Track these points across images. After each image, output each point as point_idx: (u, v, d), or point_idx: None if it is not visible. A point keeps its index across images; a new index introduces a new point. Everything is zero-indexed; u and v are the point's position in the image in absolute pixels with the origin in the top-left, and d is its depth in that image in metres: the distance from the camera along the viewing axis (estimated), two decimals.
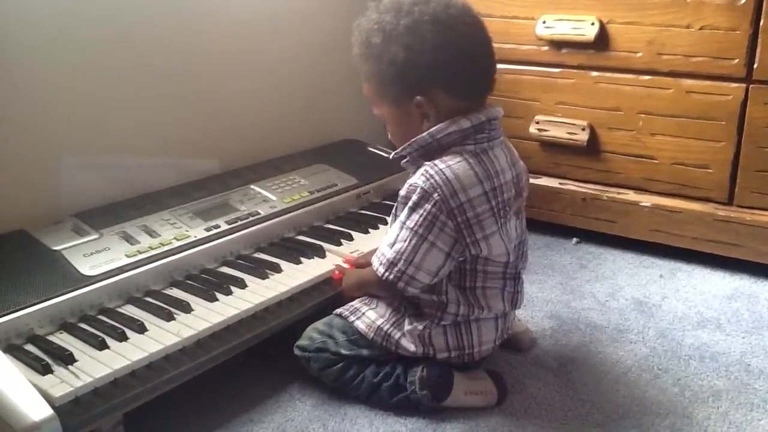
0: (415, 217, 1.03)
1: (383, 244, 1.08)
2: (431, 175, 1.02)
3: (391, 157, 1.11)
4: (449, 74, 1.03)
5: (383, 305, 1.14)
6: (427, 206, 1.02)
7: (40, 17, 1.25)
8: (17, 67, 1.23)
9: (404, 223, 1.04)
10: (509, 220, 1.08)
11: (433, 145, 1.05)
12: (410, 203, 1.03)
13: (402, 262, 1.04)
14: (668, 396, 1.14)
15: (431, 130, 1.04)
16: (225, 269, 1.25)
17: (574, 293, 1.48)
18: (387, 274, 1.05)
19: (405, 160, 1.09)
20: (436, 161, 1.03)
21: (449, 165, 1.02)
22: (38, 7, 1.24)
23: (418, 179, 1.03)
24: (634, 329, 1.34)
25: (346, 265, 1.24)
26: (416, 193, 1.02)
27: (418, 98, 1.03)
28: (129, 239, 1.22)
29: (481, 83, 1.07)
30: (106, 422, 0.93)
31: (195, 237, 1.26)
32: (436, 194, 1.01)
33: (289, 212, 1.40)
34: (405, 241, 1.04)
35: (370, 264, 1.20)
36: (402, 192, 1.06)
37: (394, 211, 1.10)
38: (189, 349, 1.03)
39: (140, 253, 1.19)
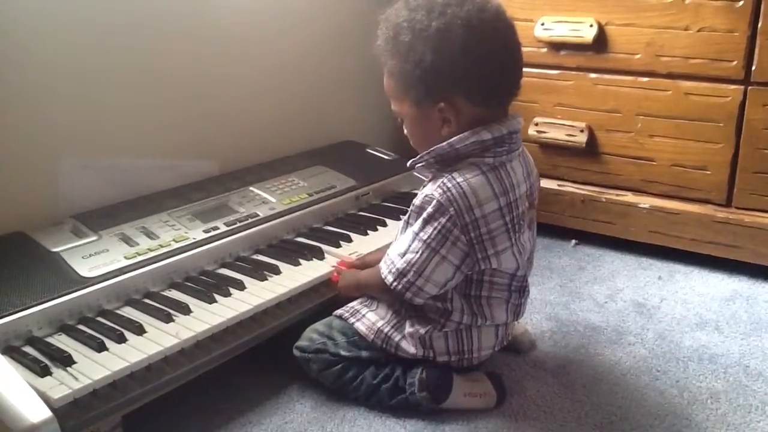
0: (429, 229, 1.02)
1: (393, 252, 1.07)
2: (448, 188, 1.00)
3: (408, 164, 1.09)
4: (475, 82, 1.00)
5: (383, 307, 1.14)
6: (442, 220, 1.01)
7: (41, 19, 1.24)
8: (16, 69, 1.23)
9: (417, 234, 1.03)
10: (523, 233, 1.07)
11: (451, 154, 1.03)
12: (425, 215, 1.02)
13: (412, 273, 1.03)
14: (667, 398, 1.14)
15: (451, 140, 1.02)
16: (224, 271, 1.25)
17: (572, 295, 1.48)
18: (395, 283, 1.05)
19: (419, 165, 1.07)
20: (454, 174, 1.01)
21: (467, 179, 1.01)
22: (38, 8, 1.24)
23: (434, 191, 1.01)
24: (632, 331, 1.34)
25: (342, 268, 1.24)
26: (432, 205, 1.01)
27: (441, 104, 1.01)
28: (128, 241, 1.22)
29: (507, 92, 1.05)
30: (104, 424, 0.93)
31: (194, 239, 1.26)
32: (451, 208, 1.00)
33: (288, 214, 1.40)
34: (417, 252, 1.03)
35: (366, 266, 1.20)
36: (416, 201, 1.05)
37: (406, 218, 1.09)
38: (188, 351, 1.03)
39: (139, 254, 1.18)
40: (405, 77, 1.03)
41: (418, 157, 1.07)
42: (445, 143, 1.03)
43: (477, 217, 1.01)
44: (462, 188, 1.00)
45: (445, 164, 1.05)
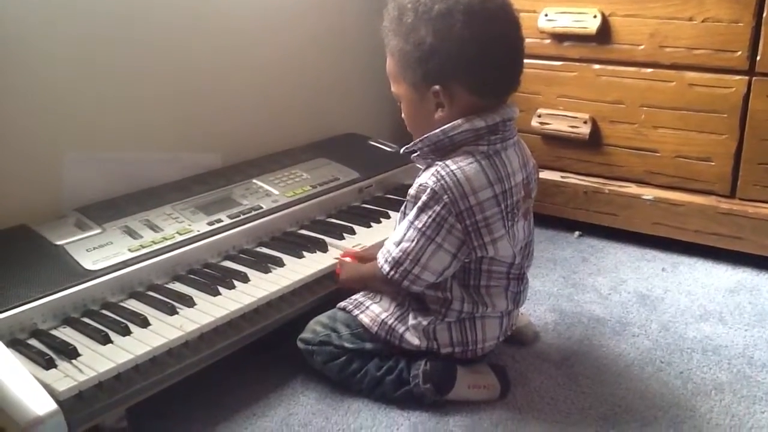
0: (424, 217, 1.02)
1: (389, 241, 1.07)
2: (442, 176, 1.00)
3: (401, 151, 1.10)
4: (472, 70, 1.00)
5: (387, 299, 1.14)
6: (437, 207, 1.01)
7: (41, 14, 1.24)
8: (19, 62, 1.23)
9: (412, 222, 1.03)
10: (517, 222, 1.07)
11: (444, 142, 1.03)
12: (419, 203, 1.02)
13: (408, 261, 1.04)
14: (671, 389, 1.14)
15: (444, 127, 1.02)
16: (227, 263, 1.25)
17: (576, 287, 1.48)
18: (392, 272, 1.05)
19: (415, 155, 1.08)
20: (448, 162, 1.02)
21: (461, 166, 1.01)
22: (38, 4, 1.23)
23: (428, 179, 1.01)
24: (636, 322, 1.34)
25: (347, 259, 1.24)
26: (426, 193, 1.01)
27: (435, 87, 1.02)
28: (131, 234, 1.22)
29: (504, 84, 1.05)
30: (109, 417, 0.94)
31: (197, 231, 1.26)
32: (446, 196, 1.00)
33: (292, 206, 1.40)
34: (412, 241, 1.03)
35: (370, 257, 1.20)
36: (411, 191, 1.05)
37: (403, 209, 1.09)
38: (192, 344, 1.03)
39: (143, 247, 1.18)
40: (404, 58, 1.03)
41: (411, 144, 1.07)
42: (438, 130, 1.03)
43: (471, 205, 1.01)
44: (456, 176, 1.00)
45: (440, 153, 1.05)
